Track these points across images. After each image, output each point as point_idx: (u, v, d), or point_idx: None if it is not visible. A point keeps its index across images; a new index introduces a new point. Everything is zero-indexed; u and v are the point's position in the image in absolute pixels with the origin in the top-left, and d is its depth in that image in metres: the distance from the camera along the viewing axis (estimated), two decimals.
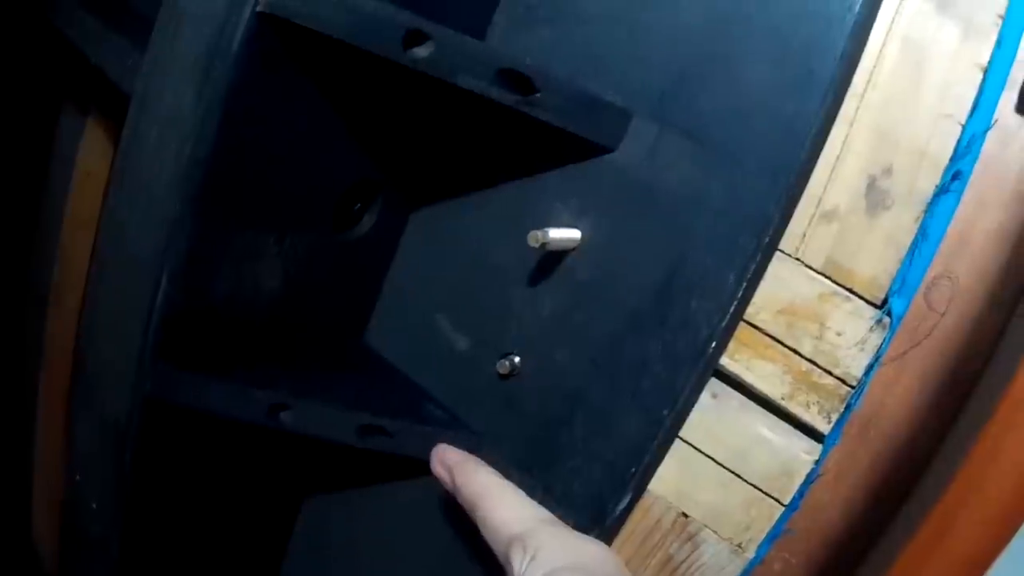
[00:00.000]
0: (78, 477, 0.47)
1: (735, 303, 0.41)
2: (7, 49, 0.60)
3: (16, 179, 0.65)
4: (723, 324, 0.41)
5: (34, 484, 0.69)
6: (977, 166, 0.45)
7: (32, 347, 0.67)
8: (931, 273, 0.45)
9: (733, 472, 0.45)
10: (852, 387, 0.44)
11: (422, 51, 0.39)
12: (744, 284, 0.41)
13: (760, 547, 0.46)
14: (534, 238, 0.40)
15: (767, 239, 0.40)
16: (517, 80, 0.40)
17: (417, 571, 0.49)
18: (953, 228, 0.45)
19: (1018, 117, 0.46)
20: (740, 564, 0.45)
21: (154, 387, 0.41)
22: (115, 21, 0.53)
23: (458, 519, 0.47)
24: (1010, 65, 0.44)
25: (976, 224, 0.46)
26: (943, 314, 0.46)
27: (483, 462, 0.44)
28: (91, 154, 0.61)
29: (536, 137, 0.42)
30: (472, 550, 0.47)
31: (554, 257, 0.43)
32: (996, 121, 0.45)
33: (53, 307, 0.65)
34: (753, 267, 0.40)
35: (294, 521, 0.55)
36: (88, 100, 0.61)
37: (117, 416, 0.43)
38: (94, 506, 0.47)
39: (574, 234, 0.42)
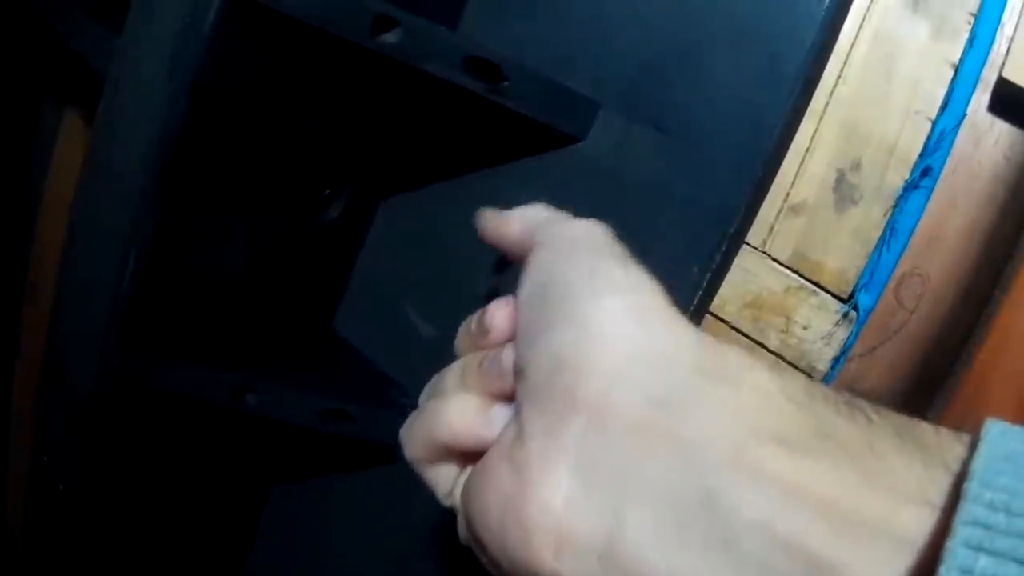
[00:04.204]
0: (45, 458, 0.48)
1: (700, 293, 0.41)
2: None
3: None
4: (688, 315, 0.41)
5: (9, 472, 0.69)
6: (949, 164, 0.45)
7: (8, 336, 0.68)
8: (902, 269, 0.45)
9: None
10: (818, 381, 0.43)
11: (391, 37, 0.39)
12: (708, 275, 0.40)
13: None
14: None
15: (732, 230, 0.40)
16: (485, 68, 0.40)
17: (384, 556, 0.48)
18: (924, 226, 0.46)
19: (990, 116, 0.46)
20: None
21: (120, 366, 0.42)
22: (96, 9, 0.54)
23: (424, 505, 0.46)
24: (982, 63, 0.44)
25: (947, 222, 0.46)
26: (913, 311, 0.46)
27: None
28: (69, 147, 0.61)
29: (505, 126, 0.43)
30: (438, 535, 0.47)
31: None
32: (968, 120, 0.45)
33: (29, 297, 0.65)
34: (718, 258, 0.40)
35: (263, 506, 0.55)
36: (67, 93, 0.62)
37: (83, 395, 0.43)
38: (60, 487, 0.47)
39: None
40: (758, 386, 0.23)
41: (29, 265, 0.65)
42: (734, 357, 0.24)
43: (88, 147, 0.48)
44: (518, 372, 0.27)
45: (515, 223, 0.32)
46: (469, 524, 0.27)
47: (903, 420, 0.22)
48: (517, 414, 0.27)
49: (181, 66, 0.40)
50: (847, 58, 0.43)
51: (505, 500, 0.25)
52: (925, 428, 0.21)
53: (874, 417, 0.21)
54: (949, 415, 0.37)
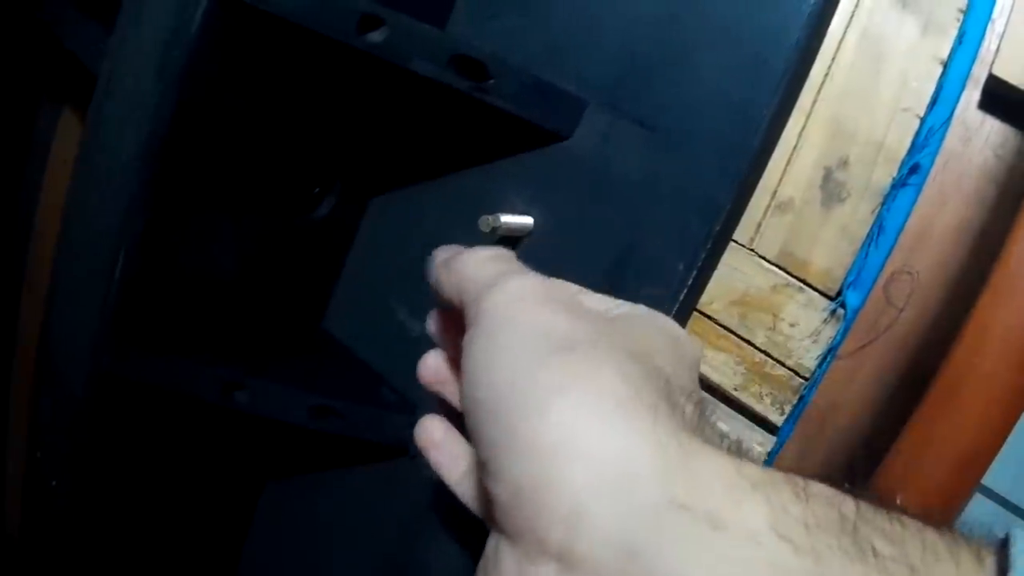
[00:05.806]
0: (38, 454, 0.48)
1: (685, 290, 0.41)
2: None
3: None
4: (672, 312, 0.41)
5: (6, 471, 0.70)
6: (938, 162, 0.45)
7: (5, 334, 0.68)
8: (890, 267, 0.45)
9: None
10: (805, 379, 0.43)
11: (376, 36, 0.39)
12: (694, 272, 0.40)
13: None
14: (485, 223, 0.41)
15: (718, 227, 0.40)
16: (471, 66, 0.40)
17: (373, 555, 0.49)
18: (913, 223, 0.45)
19: (980, 114, 0.46)
20: None
21: (110, 363, 0.42)
22: (92, 9, 0.54)
23: (414, 504, 0.47)
24: (971, 61, 0.44)
25: (937, 220, 0.46)
26: (902, 309, 0.46)
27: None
28: (66, 144, 0.62)
29: (491, 124, 0.43)
30: (428, 535, 0.47)
31: (508, 244, 0.44)
32: (958, 117, 0.45)
33: (27, 294, 0.66)
34: (703, 255, 0.40)
35: (255, 503, 0.55)
36: (64, 91, 0.63)
37: (75, 392, 0.44)
38: (53, 483, 0.47)
39: (526, 221, 0.43)
40: (746, 526, 0.20)
41: (28, 263, 0.66)
42: (712, 479, 0.21)
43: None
44: (486, 492, 0.25)
45: (449, 291, 0.32)
46: None
47: (917, 549, 0.19)
48: (496, 529, 0.25)
49: (169, 65, 0.40)
50: (834, 55, 0.43)
51: None
52: (941, 555, 0.19)
53: (884, 550, 0.19)
54: (924, 414, 0.37)
